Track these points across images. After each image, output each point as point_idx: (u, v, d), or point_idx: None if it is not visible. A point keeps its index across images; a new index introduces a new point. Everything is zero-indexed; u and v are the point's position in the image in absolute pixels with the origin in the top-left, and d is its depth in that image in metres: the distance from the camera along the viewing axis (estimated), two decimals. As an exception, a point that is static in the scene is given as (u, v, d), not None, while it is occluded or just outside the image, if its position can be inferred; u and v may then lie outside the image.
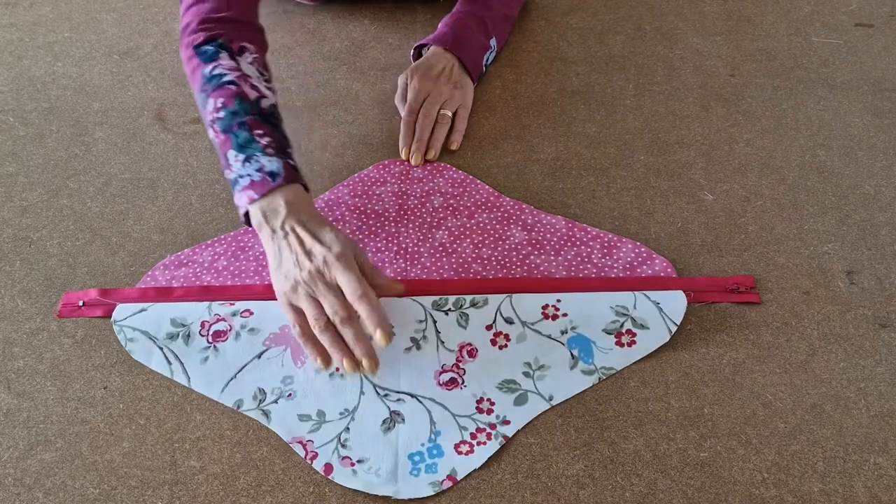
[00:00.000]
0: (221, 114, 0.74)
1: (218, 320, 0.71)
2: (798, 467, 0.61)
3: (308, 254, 0.66)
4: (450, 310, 0.71)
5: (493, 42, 0.97)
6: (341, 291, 0.65)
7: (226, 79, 0.75)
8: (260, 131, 0.72)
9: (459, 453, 0.63)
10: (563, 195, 0.84)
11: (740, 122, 0.93)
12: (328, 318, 0.65)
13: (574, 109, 0.95)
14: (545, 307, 0.71)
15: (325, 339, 0.64)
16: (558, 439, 0.64)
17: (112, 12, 1.14)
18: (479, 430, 0.64)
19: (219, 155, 0.74)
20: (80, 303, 0.73)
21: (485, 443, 0.63)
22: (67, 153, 0.91)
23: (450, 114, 0.89)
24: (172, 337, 0.70)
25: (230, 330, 0.70)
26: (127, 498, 0.61)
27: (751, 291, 0.73)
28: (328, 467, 0.62)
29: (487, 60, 0.97)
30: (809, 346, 0.70)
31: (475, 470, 0.62)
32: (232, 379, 0.68)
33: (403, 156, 0.86)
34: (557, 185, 0.85)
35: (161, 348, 0.69)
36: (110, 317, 0.72)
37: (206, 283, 0.75)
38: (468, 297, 0.72)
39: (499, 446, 0.63)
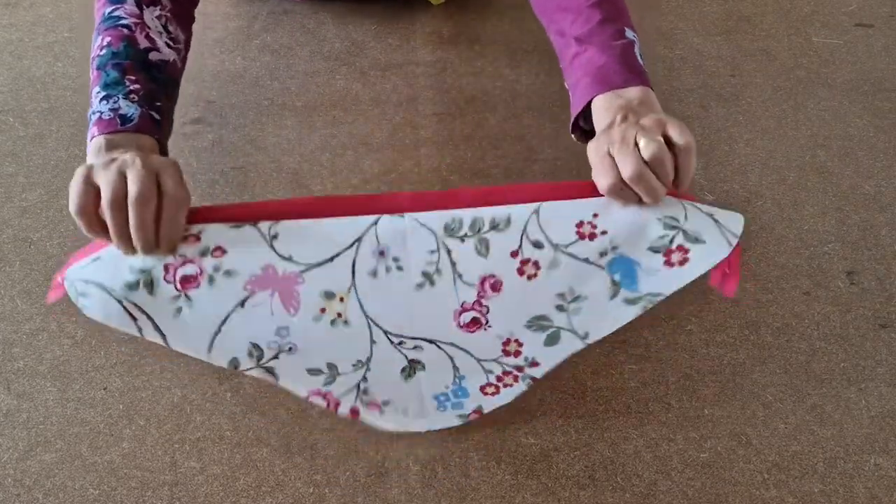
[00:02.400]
0: (103, 52, 0.69)
1: (185, 262, 0.56)
2: (798, 468, 0.61)
3: (124, 164, 0.57)
4: (466, 235, 0.58)
5: (629, 34, 0.70)
6: (125, 179, 0.55)
7: (122, 22, 0.71)
8: (133, 77, 0.67)
9: (486, 394, 0.62)
10: (563, 195, 0.84)
11: (740, 122, 0.93)
12: (117, 195, 0.55)
13: (574, 109, 0.94)
14: (580, 224, 0.57)
15: (108, 215, 0.55)
16: (558, 439, 0.64)
17: (112, 12, 1.14)
18: (505, 373, 0.60)
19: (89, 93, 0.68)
20: (60, 279, 0.59)
21: (511, 385, 0.61)
22: (67, 153, 0.91)
23: (659, 138, 0.57)
24: (132, 287, 0.55)
25: (201, 274, 0.56)
26: (127, 499, 0.61)
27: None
28: (354, 411, 0.60)
29: (640, 55, 0.70)
30: (810, 347, 0.69)
31: (499, 406, 0.62)
32: (217, 334, 0.57)
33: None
34: (557, 186, 0.85)
35: (120, 301, 0.55)
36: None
37: None
38: (487, 217, 0.57)
39: (525, 388, 0.60)
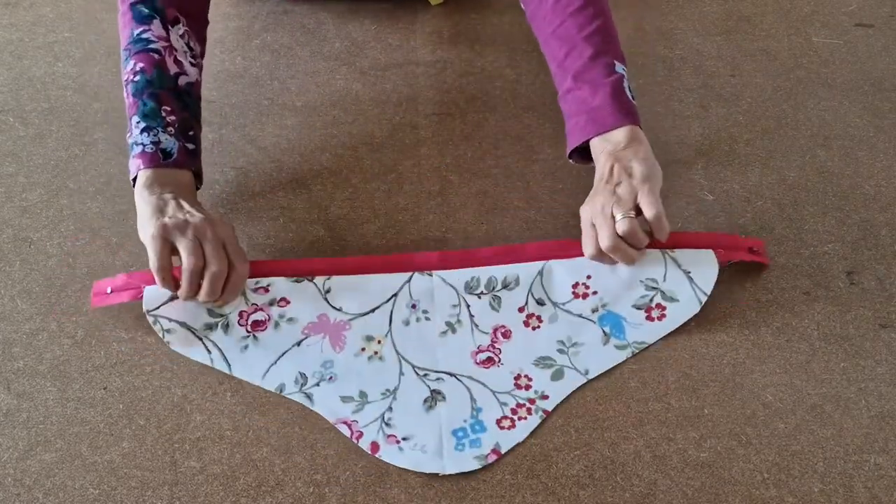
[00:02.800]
0: (137, 77, 0.75)
1: (256, 310, 0.71)
2: (798, 467, 0.61)
3: (187, 213, 0.69)
4: (482, 293, 0.73)
5: (618, 67, 0.77)
6: (202, 249, 0.68)
7: (151, 46, 0.77)
8: (168, 108, 0.75)
9: (502, 428, 0.64)
10: (564, 195, 0.84)
11: (740, 122, 0.93)
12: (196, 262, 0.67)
13: (574, 109, 0.94)
14: (575, 286, 0.72)
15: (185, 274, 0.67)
16: (558, 439, 0.64)
17: (112, 12, 1.14)
18: (518, 405, 0.66)
19: (127, 115, 0.76)
20: (108, 289, 0.72)
21: (525, 417, 0.65)
22: (67, 153, 0.91)
23: (632, 213, 0.70)
24: (211, 327, 0.70)
25: (269, 320, 0.71)
26: (127, 498, 0.61)
27: (761, 254, 0.75)
28: (374, 446, 0.63)
29: (628, 88, 0.77)
30: (810, 346, 0.70)
31: (518, 444, 0.64)
32: (273, 365, 0.69)
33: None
34: (557, 185, 0.85)
35: (201, 339, 0.70)
36: (139, 300, 0.70)
37: None
38: (500, 276, 0.73)
39: (539, 420, 0.65)
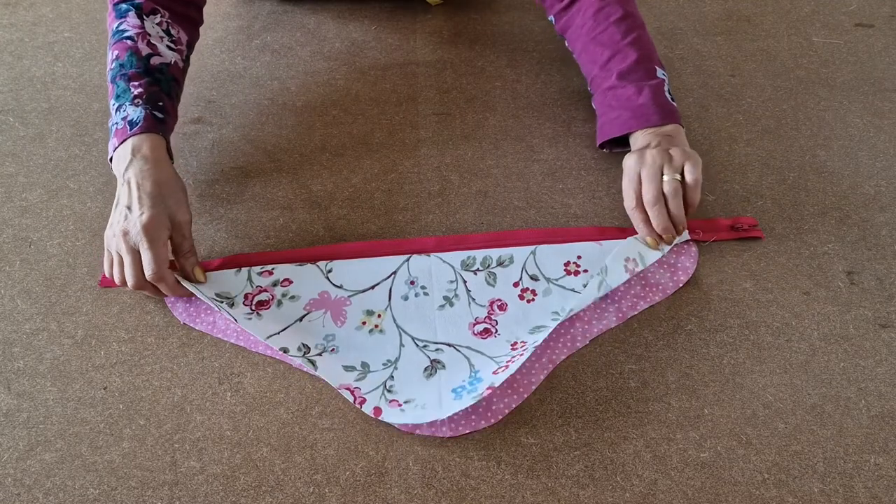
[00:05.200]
0: (113, 65, 0.79)
1: (260, 291, 0.74)
2: (798, 467, 0.61)
3: (128, 208, 0.70)
4: (478, 269, 0.75)
5: (659, 73, 0.82)
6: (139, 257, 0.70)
7: (126, 34, 0.80)
8: (136, 83, 0.77)
9: (496, 374, 0.66)
10: (564, 195, 0.84)
11: (740, 122, 0.93)
12: (122, 279, 0.71)
13: (574, 109, 0.95)
14: (567, 264, 0.75)
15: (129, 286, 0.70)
16: (558, 439, 0.64)
17: (112, 12, 1.14)
18: (513, 359, 0.67)
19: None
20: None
21: (519, 357, 0.66)
22: (67, 153, 0.91)
23: (677, 176, 0.75)
24: (217, 303, 0.72)
25: (272, 299, 0.73)
26: (127, 498, 0.61)
27: (753, 229, 0.79)
28: (377, 410, 0.65)
29: (668, 91, 0.82)
30: (809, 346, 0.70)
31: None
32: (275, 334, 0.71)
33: (650, 244, 0.76)
34: (557, 185, 0.85)
35: (209, 300, 0.72)
36: None
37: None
38: (494, 256, 0.76)
39: (532, 350, 0.67)
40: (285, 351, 0.69)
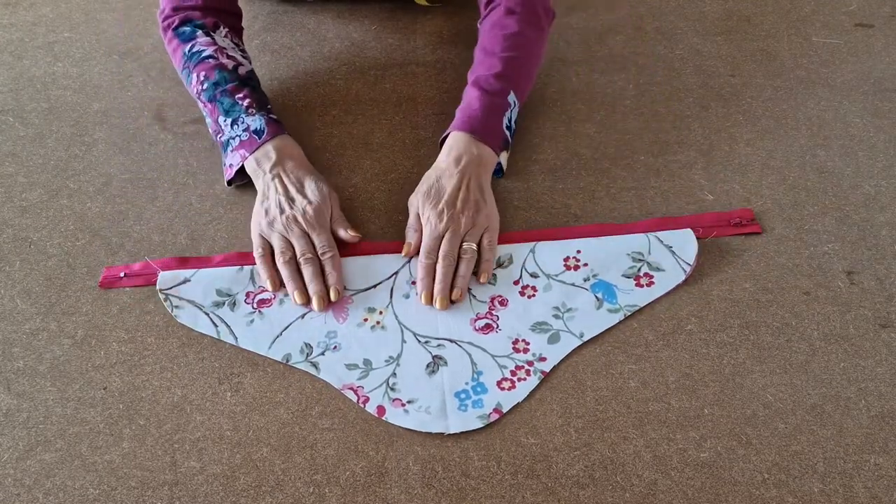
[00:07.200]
0: (205, 85, 0.84)
1: (262, 290, 0.75)
2: (798, 468, 0.61)
3: (290, 200, 0.77)
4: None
5: (511, 97, 0.84)
6: (310, 238, 0.76)
7: (205, 54, 0.85)
8: (240, 95, 0.83)
9: (502, 389, 0.67)
10: (563, 195, 0.84)
11: (740, 122, 0.93)
12: (292, 255, 0.75)
13: (574, 109, 0.95)
14: (566, 259, 0.76)
15: (284, 271, 0.74)
16: (558, 439, 0.64)
17: (112, 12, 1.14)
18: (518, 367, 0.68)
19: (209, 123, 0.85)
20: (122, 274, 0.76)
21: (525, 378, 0.67)
22: (67, 153, 0.91)
23: (474, 246, 0.75)
24: (219, 305, 0.74)
25: (274, 298, 0.74)
26: (127, 498, 0.61)
27: (752, 223, 0.79)
28: (380, 409, 0.66)
29: (510, 120, 0.84)
30: (809, 347, 0.69)
31: (519, 403, 0.66)
32: (278, 337, 0.71)
33: (423, 301, 0.73)
34: (557, 185, 0.85)
35: (208, 314, 0.73)
36: (152, 285, 0.75)
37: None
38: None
39: (538, 381, 0.67)
40: (287, 360, 0.69)
